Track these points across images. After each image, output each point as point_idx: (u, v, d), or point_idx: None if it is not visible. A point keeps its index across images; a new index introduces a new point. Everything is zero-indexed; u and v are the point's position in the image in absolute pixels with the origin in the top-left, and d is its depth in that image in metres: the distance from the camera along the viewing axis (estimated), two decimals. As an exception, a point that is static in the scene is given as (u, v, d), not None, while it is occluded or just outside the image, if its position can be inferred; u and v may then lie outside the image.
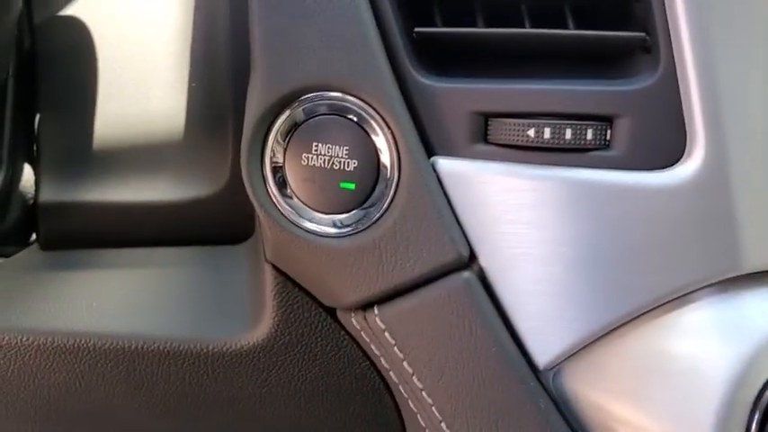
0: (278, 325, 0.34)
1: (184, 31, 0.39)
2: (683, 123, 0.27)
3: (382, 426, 0.37)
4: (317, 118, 0.30)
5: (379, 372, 0.35)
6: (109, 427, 0.38)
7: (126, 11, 0.40)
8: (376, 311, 0.30)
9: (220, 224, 0.40)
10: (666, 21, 0.27)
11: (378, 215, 0.29)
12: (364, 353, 0.35)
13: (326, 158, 0.30)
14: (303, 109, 0.29)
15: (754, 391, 0.25)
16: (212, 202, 0.39)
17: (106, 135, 0.39)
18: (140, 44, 0.40)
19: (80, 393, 0.36)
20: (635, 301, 0.27)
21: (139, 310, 0.37)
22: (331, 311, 0.34)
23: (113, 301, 0.37)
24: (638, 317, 0.27)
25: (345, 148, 0.29)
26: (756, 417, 0.25)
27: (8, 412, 0.37)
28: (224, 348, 0.35)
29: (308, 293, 0.34)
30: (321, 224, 0.30)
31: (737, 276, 0.26)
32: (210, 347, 0.35)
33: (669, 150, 0.27)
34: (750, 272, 0.26)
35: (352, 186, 0.29)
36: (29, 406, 0.36)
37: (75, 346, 0.35)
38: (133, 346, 0.35)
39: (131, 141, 0.39)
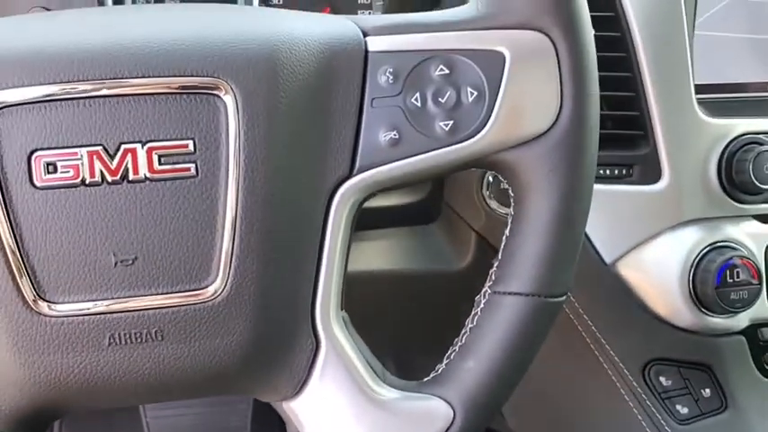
0: (476, 260, 0.73)
1: None
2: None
3: None
4: None
5: None
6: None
7: None
8: None
9: (419, 214, 0.77)
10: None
11: None
12: None
13: None
14: None
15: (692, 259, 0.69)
16: (415, 206, 0.77)
17: None
18: None
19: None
20: (643, 233, 0.69)
21: (392, 257, 0.74)
22: None
23: (378, 253, 0.74)
24: (644, 241, 0.70)
25: None
26: (691, 272, 0.68)
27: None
28: (444, 271, 0.73)
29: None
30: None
31: (680, 223, 0.70)
32: (436, 272, 0.73)
33: (653, 176, 0.70)
34: (686, 219, 0.70)
35: None
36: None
37: (366, 278, 0.72)
38: (388, 276, 0.73)
39: None
